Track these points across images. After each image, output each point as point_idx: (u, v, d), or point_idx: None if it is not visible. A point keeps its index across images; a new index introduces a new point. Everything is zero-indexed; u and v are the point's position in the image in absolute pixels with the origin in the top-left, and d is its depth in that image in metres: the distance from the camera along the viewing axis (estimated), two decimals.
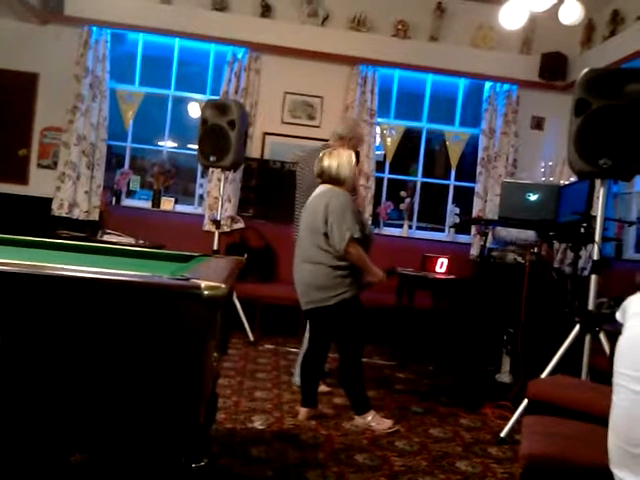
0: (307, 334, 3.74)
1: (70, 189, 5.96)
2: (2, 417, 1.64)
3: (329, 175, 3.41)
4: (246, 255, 3.16)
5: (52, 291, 1.65)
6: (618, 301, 3.81)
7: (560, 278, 4.61)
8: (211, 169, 5.96)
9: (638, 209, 5.84)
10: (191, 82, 6.61)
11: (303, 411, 3.44)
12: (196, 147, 5.39)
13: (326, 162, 3.42)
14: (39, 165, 6.14)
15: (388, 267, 3.65)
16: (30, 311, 1.63)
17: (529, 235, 4.88)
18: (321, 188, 3.46)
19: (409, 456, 3.02)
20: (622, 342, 1.64)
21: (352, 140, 4.08)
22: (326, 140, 6.06)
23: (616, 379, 1.64)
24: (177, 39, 6.26)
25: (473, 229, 6.27)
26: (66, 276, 1.69)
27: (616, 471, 1.62)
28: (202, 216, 6.19)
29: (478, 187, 6.34)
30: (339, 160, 3.41)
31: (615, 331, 3.02)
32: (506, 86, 6.31)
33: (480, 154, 6.36)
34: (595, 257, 3.34)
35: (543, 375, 3.26)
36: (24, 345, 1.62)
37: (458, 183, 6.71)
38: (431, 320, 5.15)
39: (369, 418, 3.36)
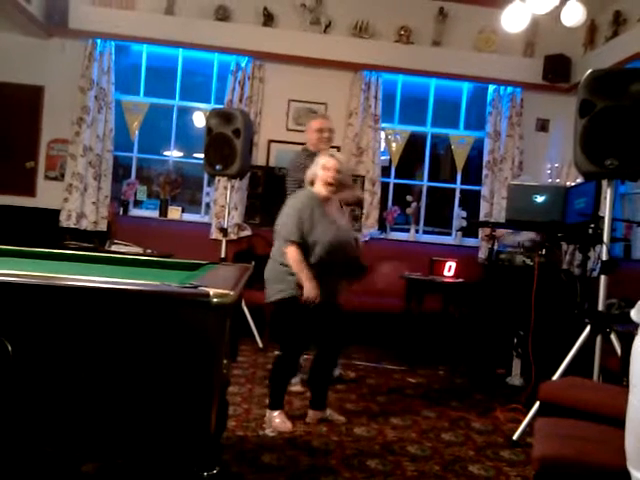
0: None
1: (78, 200, 5.99)
2: (15, 425, 1.65)
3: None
4: (254, 262, 3.16)
5: (62, 301, 1.66)
6: (628, 302, 3.80)
7: (569, 279, 4.59)
8: (217, 177, 5.98)
9: None
10: (196, 92, 6.64)
11: (311, 413, 3.49)
12: (202, 156, 5.41)
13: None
14: (46, 177, 6.19)
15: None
16: (41, 321, 1.64)
17: (529, 237, 4.88)
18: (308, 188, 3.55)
19: (421, 461, 3.01)
20: (638, 342, 1.62)
21: (307, 132, 4.28)
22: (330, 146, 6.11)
23: (633, 379, 1.61)
24: (181, 49, 6.30)
25: (480, 232, 6.26)
26: (76, 286, 1.71)
27: (634, 471, 1.61)
28: (209, 224, 6.21)
29: (484, 190, 6.34)
30: (314, 162, 3.49)
31: (626, 332, 3.01)
32: (510, 89, 6.31)
33: (485, 157, 6.36)
34: (604, 258, 3.33)
35: (554, 377, 3.24)
36: (36, 354, 1.63)
37: (464, 186, 6.71)
38: (440, 324, 5.14)
39: (275, 414, 3.35)
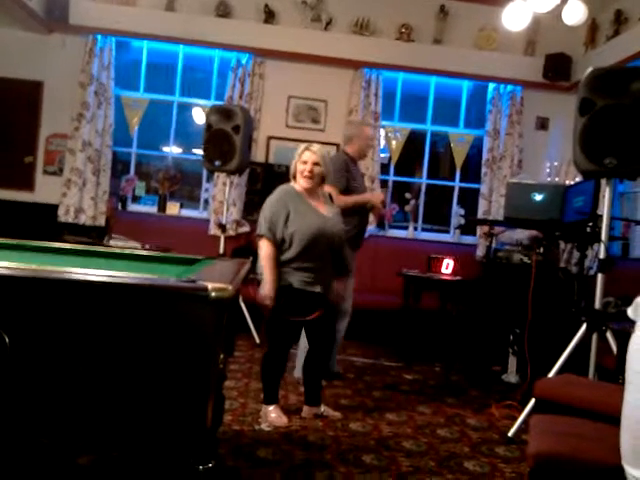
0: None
1: (76, 195, 5.99)
2: (11, 418, 1.65)
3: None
4: (251, 258, 3.16)
5: (60, 294, 1.67)
6: (625, 300, 3.81)
7: (566, 278, 4.60)
8: (216, 174, 5.98)
9: None
10: (196, 88, 6.65)
11: (306, 409, 3.51)
12: (201, 152, 5.41)
13: None
14: (45, 172, 6.19)
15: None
16: (38, 314, 1.65)
17: (524, 235, 4.88)
18: None
19: (417, 456, 3.02)
20: (635, 340, 1.62)
21: (357, 139, 4.20)
22: (330, 143, 6.12)
23: (629, 377, 1.62)
24: (181, 46, 6.29)
25: (479, 230, 6.26)
26: (74, 279, 1.71)
27: (629, 468, 1.61)
28: (208, 220, 6.21)
29: (483, 188, 6.34)
30: None
31: (622, 330, 3.02)
32: (510, 87, 6.31)
33: (485, 155, 6.36)
34: (601, 256, 3.34)
35: (550, 374, 3.25)
36: (33, 347, 1.63)
37: (463, 184, 6.71)
38: (437, 321, 5.14)
39: (270, 409, 3.36)
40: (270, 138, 6.30)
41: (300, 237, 3.27)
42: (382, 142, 6.50)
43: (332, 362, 4.21)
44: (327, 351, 3.64)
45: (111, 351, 1.66)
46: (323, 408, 3.53)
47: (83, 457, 2.14)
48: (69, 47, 6.07)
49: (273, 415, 3.33)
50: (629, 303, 1.75)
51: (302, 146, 3.43)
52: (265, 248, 3.28)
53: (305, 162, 3.37)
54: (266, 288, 3.25)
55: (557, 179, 5.93)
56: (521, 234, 4.88)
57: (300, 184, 3.39)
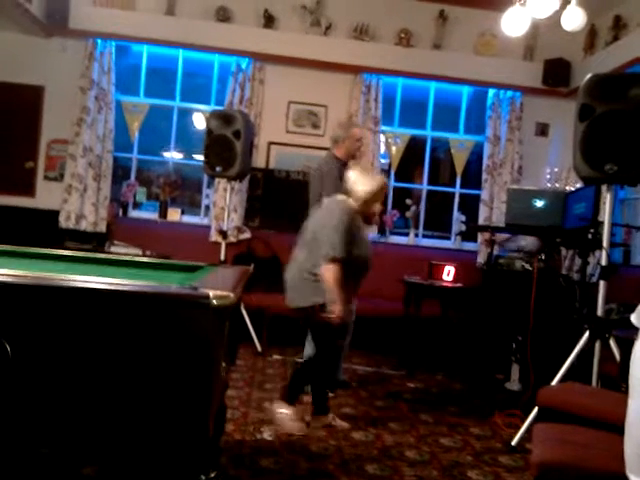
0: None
1: (77, 201, 5.99)
2: (13, 427, 1.64)
3: (347, 185, 3.46)
4: (253, 265, 3.15)
5: (61, 302, 1.66)
6: (627, 307, 3.80)
7: (568, 285, 4.59)
8: (217, 179, 5.97)
9: None
10: (196, 93, 6.64)
11: (314, 420, 3.48)
12: (202, 158, 5.40)
13: (350, 173, 3.49)
14: (46, 177, 6.17)
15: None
16: (39, 322, 1.64)
17: (529, 242, 4.87)
18: (340, 195, 3.49)
19: (420, 466, 3.00)
20: (638, 347, 1.61)
21: (345, 141, 4.19)
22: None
23: (632, 384, 1.61)
24: (181, 50, 6.30)
25: (480, 236, 6.25)
26: (75, 287, 1.70)
27: (633, 477, 1.60)
28: (209, 227, 6.20)
29: (484, 194, 6.33)
30: (359, 176, 3.44)
31: (625, 337, 3.00)
32: (510, 93, 6.32)
33: (485, 161, 6.36)
34: (603, 263, 3.33)
35: (553, 382, 3.24)
36: (34, 355, 1.62)
37: (464, 191, 6.70)
38: (439, 328, 5.13)
39: (288, 410, 3.35)
40: (270, 144, 6.30)
41: (357, 262, 3.33)
42: (382, 148, 6.50)
43: (339, 371, 4.19)
44: (336, 359, 3.64)
45: (112, 359, 1.65)
46: (331, 417, 3.51)
47: (87, 468, 2.13)
48: (69, 51, 6.06)
49: (287, 419, 3.30)
50: (632, 310, 1.74)
51: (381, 181, 3.46)
52: (336, 271, 3.21)
53: (379, 200, 3.44)
54: (339, 309, 3.22)
55: (557, 185, 5.92)
56: (525, 241, 4.87)
57: (362, 208, 3.38)
